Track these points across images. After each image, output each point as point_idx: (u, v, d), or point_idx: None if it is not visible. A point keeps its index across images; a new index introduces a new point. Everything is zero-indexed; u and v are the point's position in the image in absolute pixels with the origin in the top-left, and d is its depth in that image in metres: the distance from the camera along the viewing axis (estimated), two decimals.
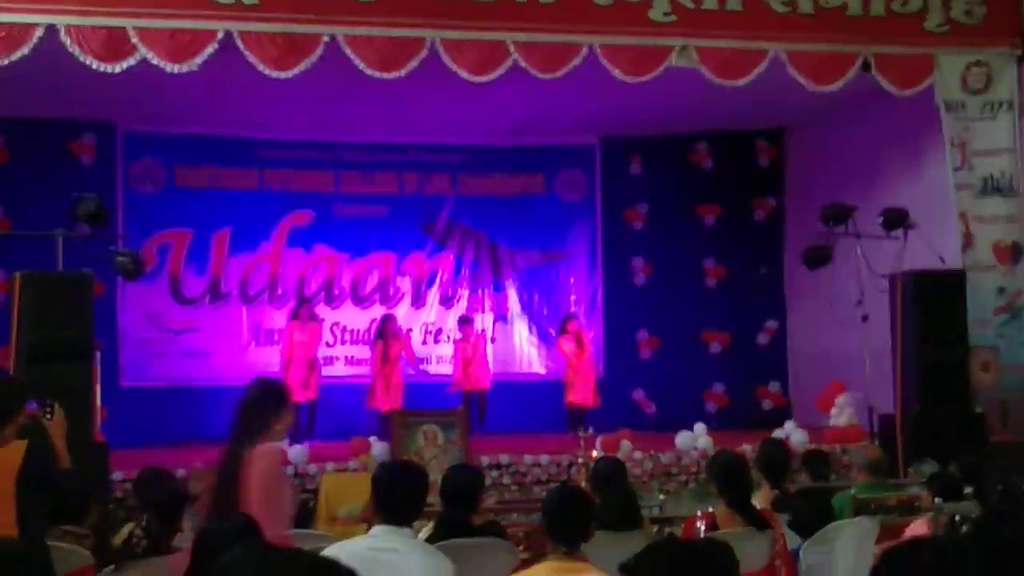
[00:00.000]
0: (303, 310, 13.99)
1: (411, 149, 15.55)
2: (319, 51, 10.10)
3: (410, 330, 15.14)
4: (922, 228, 11.31)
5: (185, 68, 9.92)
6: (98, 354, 10.16)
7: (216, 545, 3.41)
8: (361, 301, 15.36)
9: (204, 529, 3.76)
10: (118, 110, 13.67)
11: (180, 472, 10.06)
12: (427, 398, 14.08)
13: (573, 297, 16.00)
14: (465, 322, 14.73)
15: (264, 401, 5.14)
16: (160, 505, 5.83)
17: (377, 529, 4.68)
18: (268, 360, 14.71)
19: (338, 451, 11.84)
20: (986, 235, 11.19)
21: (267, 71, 10.10)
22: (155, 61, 9.82)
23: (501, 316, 15.64)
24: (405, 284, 15.57)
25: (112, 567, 5.37)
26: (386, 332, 13.94)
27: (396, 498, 4.78)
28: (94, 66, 9.77)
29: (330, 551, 4.23)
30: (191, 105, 13.05)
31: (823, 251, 12.26)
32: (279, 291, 15.11)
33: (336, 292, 15.22)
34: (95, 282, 10.31)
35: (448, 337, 15.35)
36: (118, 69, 9.84)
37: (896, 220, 11.37)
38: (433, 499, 6.30)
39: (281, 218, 15.13)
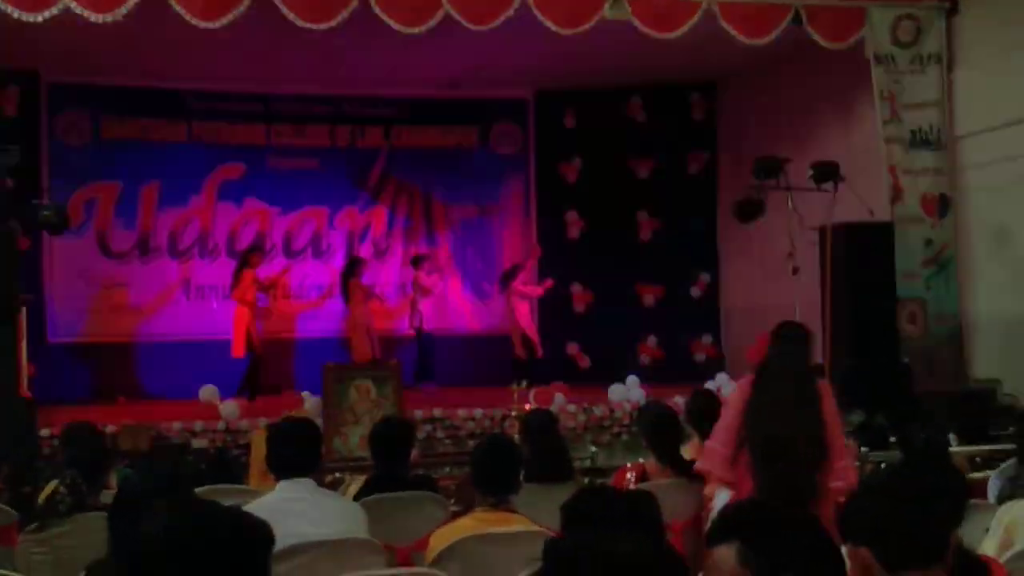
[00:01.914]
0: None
1: (344, 101, 15.41)
2: (247, 0, 9.91)
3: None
4: (852, 181, 11.39)
5: (110, 18, 9.68)
6: (24, 310, 9.99)
7: (137, 500, 3.36)
8: (293, 256, 15.22)
9: (125, 482, 3.71)
10: (42, 61, 13.39)
11: (109, 428, 9.98)
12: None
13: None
14: (422, 259, 14.68)
15: None
16: (85, 462, 5.73)
17: (280, 484, 4.77)
18: (198, 315, 14.59)
19: (271, 406, 11.79)
20: (914, 188, 11.28)
21: (194, 21, 9.90)
22: (79, 10, 9.57)
23: (435, 270, 15.55)
24: (338, 238, 15.45)
25: (35, 525, 5.30)
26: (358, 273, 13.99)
27: (289, 455, 4.87)
28: (16, 15, 9.52)
29: (248, 507, 4.23)
30: (117, 56, 12.80)
31: (755, 204, 12.30)
32: (210, 245, 14.93)
33: (268, 247, 15.04)
34: (19, 236, 10.10)
35: (381, 291, 15.26)
36: (41, 19, 9.59)
37: (826, 173, 11.43)
38: (365, 453, 6.29)
39: (211, 171, 14.94)
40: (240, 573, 1.74)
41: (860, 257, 11.23)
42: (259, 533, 1.83)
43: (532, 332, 14.66)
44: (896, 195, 11.31)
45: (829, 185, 11.41)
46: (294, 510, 4.54)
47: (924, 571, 2.60)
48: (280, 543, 4.22)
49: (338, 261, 15.15)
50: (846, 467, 5.70)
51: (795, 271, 11.72)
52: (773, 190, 11.94)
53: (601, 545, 1.94)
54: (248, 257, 13.79)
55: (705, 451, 6.01)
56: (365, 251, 15.35)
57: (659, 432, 6.30)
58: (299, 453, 4.88)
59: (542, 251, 15.61)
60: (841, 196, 11.39)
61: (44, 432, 9.96)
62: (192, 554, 1.73)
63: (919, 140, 11.37)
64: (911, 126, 11.31)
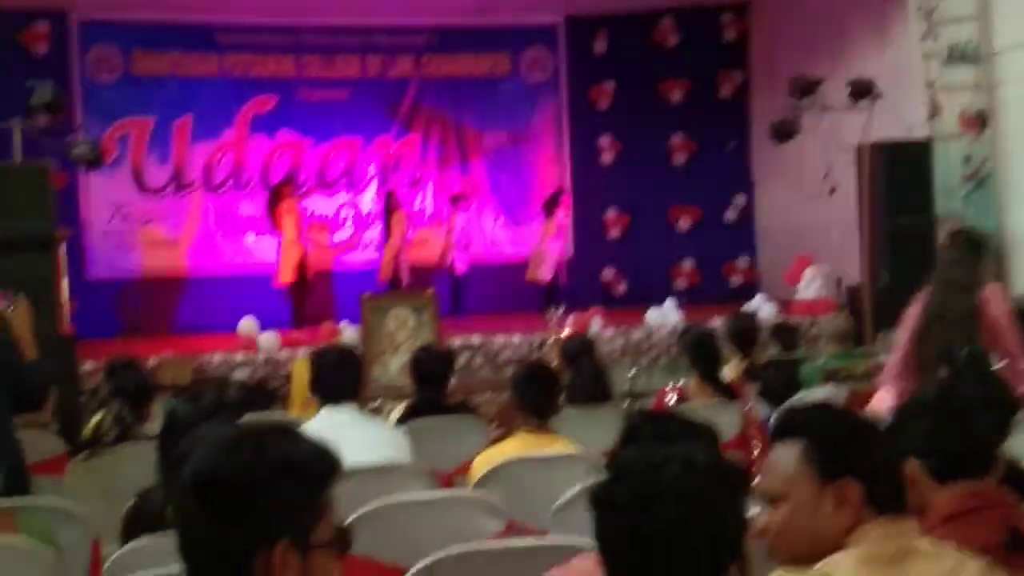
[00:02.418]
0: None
1: (374, 31, 15.31)
2: None
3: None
4: (888, 98, 11.26)
5: None
6: (63, 246, 10.06)
7: (184, 428, 3.39)
8: (327, 186, 15.22)
9: (172, 411, 3.75)
10: None
11: (150, 362, 10.08)
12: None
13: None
14: (459, 199, 14.67)
15: None
16: (129, 393, 5.81)
17: (323, 411, 4.83)
18: (235, 248, 14.65)
19: (311, 336, 11.86)
20: (952, 103, 11.12)
21: None
22: None
23: (470, 198, 15.50)
24: (371, 168, 15.42)
25: (83, 455, 5.38)
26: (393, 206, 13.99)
27: (331, 381, 4.94)
28: None
29: None
30: None
31: (790, 124, 12.21)
32: (244, 179, 14.95)
33: (302, 178, 15.04)
34: (56, 173, 10.14)
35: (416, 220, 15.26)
36: None
37: (863, 91, 11.30)
38: (404, 382, 6.31)
39: (243, 104, 14.90)
40: (301, 496, 1.75)
41: (897, 175, 11.11)
42: (323, 460, 1.84)
43: (555, 261, 14.60)
44: (934, 112, 11.16)
45: (865, 103, 11.30)
46: (338, 436, 4.55)
47: (972, 482, 2.59)
48: None
49: (372, 191, 15.14)
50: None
51: (832, 191, 11.64)
52: (808, 110, 11.83)
53: (662, 453, 1.95)
54: (281, 190, 13.80)
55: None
56: (399, 181, 15.33)
57: (700, 353, 6.32)
58: (342, 379, 4.93)
59: (573, 175, 15.61)
60: (877, 114, 11.27)
61: (86, 367, 10.08)
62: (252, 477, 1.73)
63: (957, 55, 11.18)
64: (948, 41, 11.12)
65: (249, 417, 5.81)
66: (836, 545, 2.09)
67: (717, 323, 10.67)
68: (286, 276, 13.29)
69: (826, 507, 2.13)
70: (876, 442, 2.20)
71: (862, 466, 2.14)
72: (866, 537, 2.09)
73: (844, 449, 2.19)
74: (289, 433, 1.84)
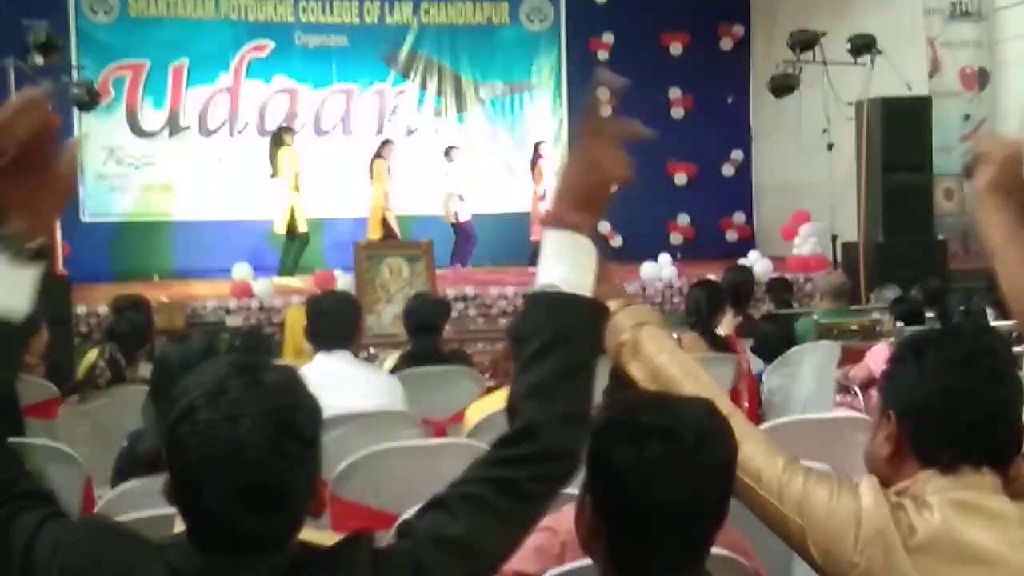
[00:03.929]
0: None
1: None
2: None
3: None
4: (889, 54, 11.19)
5: None
6: None
7: (175, 373, 3.37)
8: (323, 133, 15.14)
9: (164, 355, 3.73)
10: None
11: None
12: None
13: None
14: (452, 150, 14.48)
15: None
16: (123, 336, 5.79)
17: (317, 357, 4.78)
18: (230, 194, 14.58)
19: (304, 284, 11.85)
20: (953, 61, 11.09)
21: None
22: None
23: (465, 147, 15.40)
24: (367, 116, 15.33)
25: (75, 397, 5.38)
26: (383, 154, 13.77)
27: (328, 327, 4.89)
28: None
29: None
30: None
31: (789, 79, 12.15)
32: (239, 124, 14.86)
33: (298, 126, 14.94)
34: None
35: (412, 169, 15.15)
36: None
37: (863, 46, 11.23)
38: (398, 331, 6.30)
39: (239, 49, 14.80)
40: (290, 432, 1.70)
41: (896, 132, 11.07)
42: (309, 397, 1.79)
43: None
44: (934, 68, 11.13)
45: (866, 59, 11.22)
46: (332, 383, 4.56)
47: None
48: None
49: (368, 139, 15.05)
50: None
51: (830, 147, 11.60)
52: (808, 64, 11.77)
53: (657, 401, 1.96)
54: (281, 136, 13.72)
55: None
56: (395, 129, 15.24)
57: (710, 306, 6.32)
58: (338, 325, 4.89)
59: (570, 127, 15.49)
60: (878, 71, 11.21)
61: (80, 310, 10.06)
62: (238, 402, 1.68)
63: (959, 12, 11.14)
64: None
65: None
66: (884, 476, 2.04)
67: (712, 278, 10.66)
68: (281, 224, 13.22)
69: (879, 434, 2.08)
70: (920, 384, 2.04)
71: (899, 405, 2.07)
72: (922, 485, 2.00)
73: (888, 383, 2.12)
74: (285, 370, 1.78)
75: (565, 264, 1.85)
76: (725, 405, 2.06)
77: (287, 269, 12.89)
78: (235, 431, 1.62)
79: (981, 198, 2.35)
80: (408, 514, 1.81)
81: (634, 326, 2.19)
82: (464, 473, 1.78)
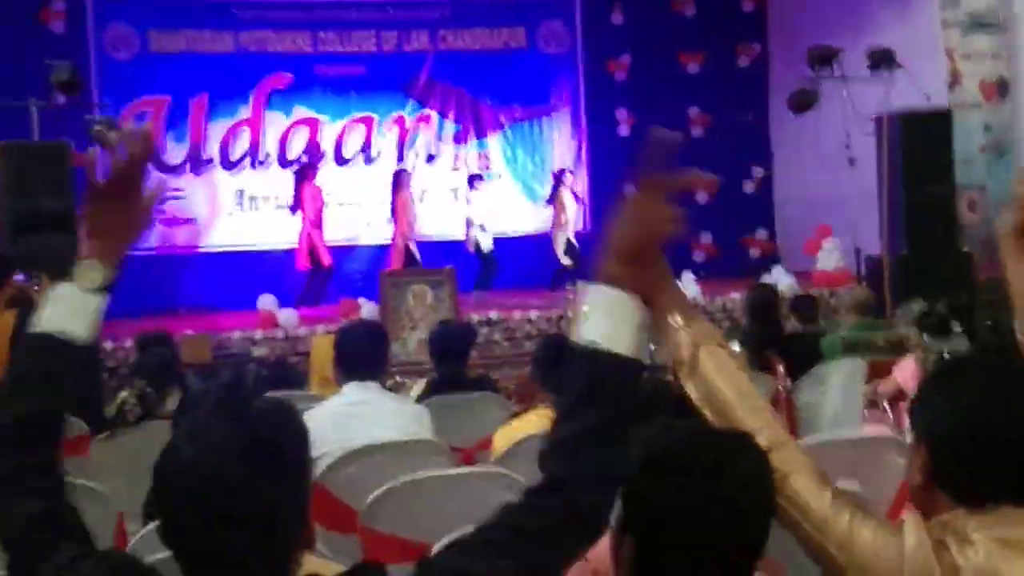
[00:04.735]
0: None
1: (389, 6, 15.26)
2: None
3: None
4: (908, 68, 11.17)
5: None
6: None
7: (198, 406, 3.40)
8: (344, 163, 15.19)
9: (189, 390, 3.76)
10: None
11: None
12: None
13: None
14: (476, 178, 14.52)
15: None
16: (154, 371, 5.81)
17: (346, 388, 4.74)
18: (253, 226, 14.65)
19: (328, 313, 11.87)
20: (972, 72, 11.07)
21: None
22: None
23: (486, 173, 15.43)
24: (388, 144, 15.38)
25: (106, 434, 5.40)
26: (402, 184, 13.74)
27: (357, 356, 4.82)
28: None
29: (310, 413, 4.29)
30: None
31: (809, 95, 12.14)
32: (261, 156, 14.95)
33: (319, 156, 15.01)
34: (74, 152, 10.15)
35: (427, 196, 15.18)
36: None
37: (882, 60, 11.22)
38: (423, 358, 6.30)
39: (259, 81, 14.89)
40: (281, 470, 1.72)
41: (917, 145, 11.04)
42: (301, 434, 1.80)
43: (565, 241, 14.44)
44: (954, 80, 11.11)
45: (885, 73, 11.21)
46: (361, 413, 4.58)
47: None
48: (346, 445, 4.30)
49: (389, 167, 15.09)
50: None
51: (851, 162, 11.58)
52: (827, 80, 11.76)
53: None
54: (305, 172, 13.79)
55: None
56: (415, 157, 15.30)
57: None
58: (368, 356, 4.87)
59: (590, 149, 15.54)
60: (897, 84, 11.19)
61: (107, 346, 10.11)
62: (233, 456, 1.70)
63: (977, 23, 11.11)
64: (968, 8, 11.07)
65: (269, 395, 5.84)
66: (922, 506, 2.01)
67: (735, 297, 10.65)
68: (303, 258, 13.28)
69: (914, 463, 2.06)
70: (948, 415, 1.98)
71: (928, 435, 2.02)
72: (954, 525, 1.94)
73: (918, 412, 2.08)
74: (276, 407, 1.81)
75: (608, 321, 1.86)
76: (778, 434, 2.06)
77: (308, 301, 12.94)
78: (215, 462, 1.65)
79: (1005, 243, 2.32)
80: (433, 550, 1.82)
81: (695, 344, 2.16)
82: (489, 518, 1.79)
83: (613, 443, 1.80)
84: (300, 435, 1.77)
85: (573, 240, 14.31)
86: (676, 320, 2.17)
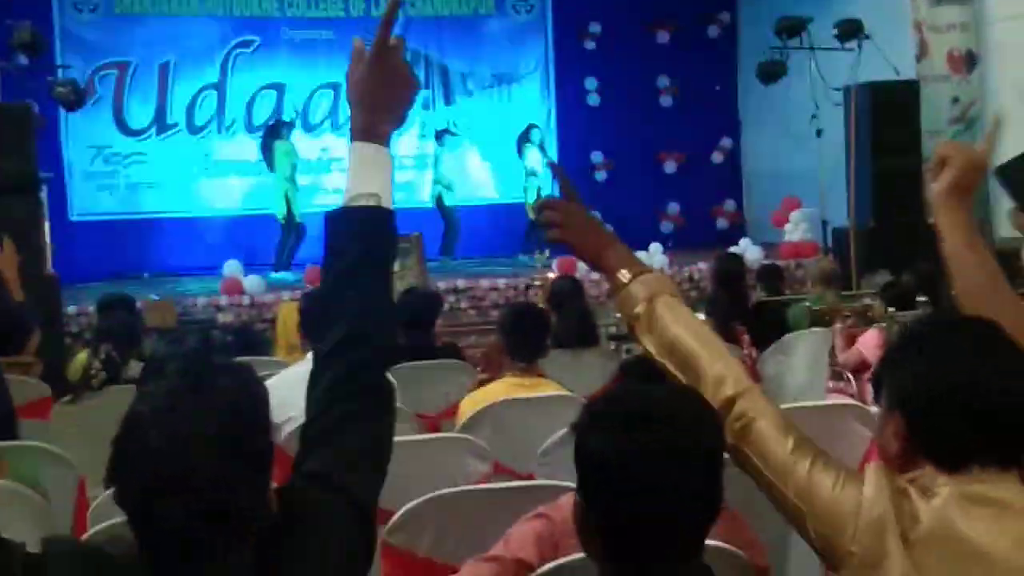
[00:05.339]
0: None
1: None
2: None
3: None
4: (876, 39, 11.18)
5: None
6: (45, 188, 9.96)
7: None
8: (311, 128, 15.08)
9: (153, 355, 3.72)
10: None
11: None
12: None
13: None
14: (443, 134, 14.42)
15: None
16: (119, 334, 5.75)
17: (312, 354, 4.70)
18: (219, 191, 14.55)
19: (294, 280, 11.83)
20: (941, 44, 11.08)
21: None
22: None
23: (453, 139, 15.34)
24: None
25: (69, 397, 5.35)
26: None
27: (317, 322, 4.78)
28: None
29: (276, 378, 4.27)
30: None
31: (777, 66, 12.15)
32: (227, 120, 14.82)
33: (288, 120, 14.89)
34: (37, 115, 10.02)
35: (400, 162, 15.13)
36: None
37: (851, 31, 11.23)
38: None
39: (225, 45, 14.75)
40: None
41: (885, 117, 11.08)
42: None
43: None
44: (922, 52, 11.12)
45: (853, 44, 11.22)
46: None
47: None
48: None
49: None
50: None
51: (819, 133, 11.60)
52: (796, 51, 11.76)
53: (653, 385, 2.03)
54: (278, 130, 13.67)
55: None
56: None
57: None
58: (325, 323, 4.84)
59: (559, 118, 15.49)
60: (865, 56, 11.21)
61: (70, 310, 10.03)
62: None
63: None
64: None
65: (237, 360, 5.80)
66: (898, 471, 2.00)
67: (702, 267, 10.67)
68: (280, 217, 13.18)
69: (886, 430, 2.04)
70: (925, 378, 1.95)
71: (903, 400, 1.97)
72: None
73: (890, 376, 2.03)
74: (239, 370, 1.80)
75: (382, 175, 2.02)
76: (742, 380, 2.05)
77: (283, 263, 12.88)
78: (183, 453, 1.63)
79: (940, 200, 2.35)
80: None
81: (649, 297, 2.16)
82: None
83: (370, 287, 1.99)
84: (264, 405, 1.76)
85: (541, 195, 14.24)
86: (624, 275, 2.17)
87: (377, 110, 2.05)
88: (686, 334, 2.12)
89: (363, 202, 1.98)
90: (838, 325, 6.98)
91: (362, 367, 1.96)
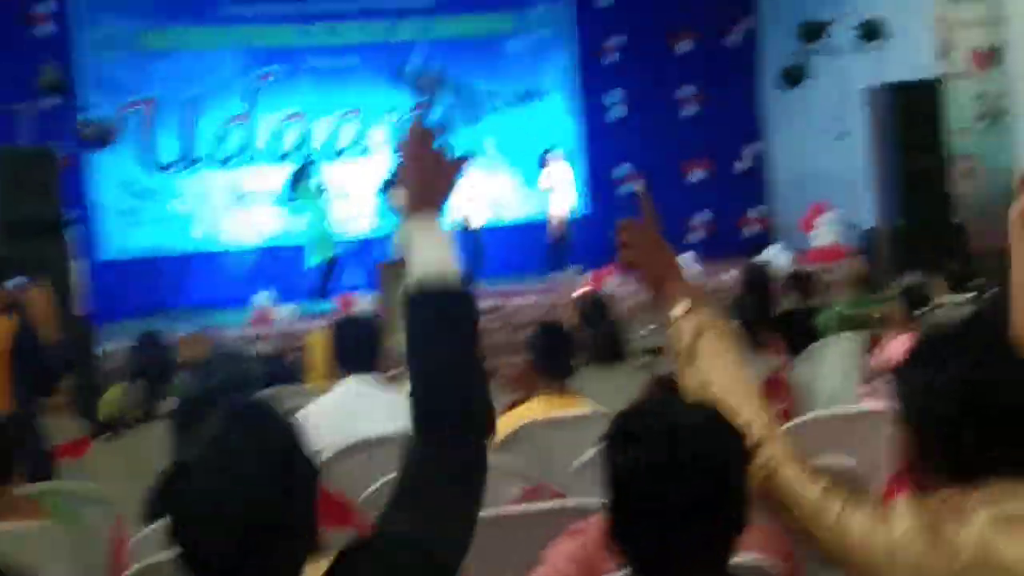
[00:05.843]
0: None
1: None
2: None
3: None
4: (898, 38, 11.14)
5: None
6: (75, 227, 10.05)
7: (196, 405, 3.39)
8: (338, 154, 15.14)
9: (183, 389, 3.74)
10: None
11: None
12: None
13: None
14: (465, 157, 14.40)
15: None
16: (152, 371, 5.80)
17: (345, 382, 4.77)
18: (248, 223, 14.62)
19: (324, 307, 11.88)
20: (964, 41, 11.02)
21: None
22: None
23: (479, 159, 15.35)
24: (382, 134, 15.33)
25: (105, 436, 5.39)
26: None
27: (352, 350, 4.85)
28: None
29: (309, 408, 4.29)
30: None
31: (799, 69, 12.12)
32: (254, 151, 14.90)
33: (314, 147, 14.97)
34: (61, 155, 10.10)
35: None
36: None
37: (872, 31, 11.20)
38: None
39: (249, 76, 14.84)
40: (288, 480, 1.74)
41: (909, 116, 11.02)
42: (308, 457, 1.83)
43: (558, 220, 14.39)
44: (944, 50, 11.06)
45: (875, 44, 11.18)
46: (359, 407, 4.57)
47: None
48: (346, 439, 4.29)
49: (383, 156, 15.04)
50: None
51: (843, 135, 11.56)
52: (817, 54, 11.73)
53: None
54: (306, 169, 13.77)
55: None
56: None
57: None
58: (362, 349, 4.88)
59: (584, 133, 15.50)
60: (887, 55, 11.16)
61: (103, 348, 10.09)
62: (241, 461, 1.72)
63: None
64: None
65: (267, 391, 5.83)
66: (917, 481, 1.98)
67: (732, 274, 10.63)
68: (312, 256, 13.24)
69: (901, 441, 2.02)
70: (933, 390, 1.93)
71: (912, 413, 1.98)
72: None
73: (900, 388, 2.02)
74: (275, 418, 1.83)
75: (447, 249, 2.02)
76: (768, 426, 2.08)
77: (324, 290, 12.96)
78: (234, 492, 1.68)
79: (1015, 226, 2.31)
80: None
81: (697, 332, 2.20)
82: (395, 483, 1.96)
83: (464, 372, 1.95)
84: (309, 459, 1.82)
85: (565, 218, 14.25)
86: (677, 310, 2.23)
87: (425, 190, 2.08)
88: (719, 376, 2.17)
89: (441, 283, 1.98)
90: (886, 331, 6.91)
91: (464, 447, 1.99)
